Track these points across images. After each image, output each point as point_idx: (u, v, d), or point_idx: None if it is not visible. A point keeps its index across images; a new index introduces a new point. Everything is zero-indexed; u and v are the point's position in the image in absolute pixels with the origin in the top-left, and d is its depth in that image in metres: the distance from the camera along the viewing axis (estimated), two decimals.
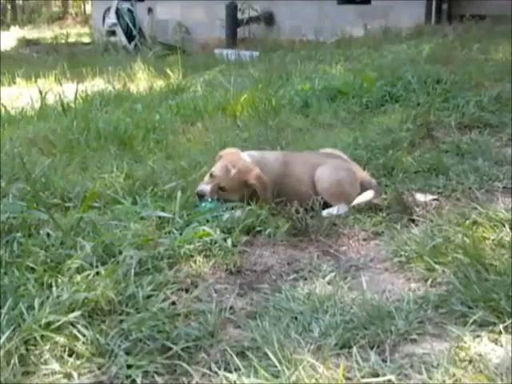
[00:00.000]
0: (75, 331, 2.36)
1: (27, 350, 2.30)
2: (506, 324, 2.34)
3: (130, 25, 14.68)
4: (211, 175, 3.61)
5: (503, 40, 8.17)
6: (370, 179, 3.79)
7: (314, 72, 7.25)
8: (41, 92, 7.02)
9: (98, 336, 2.35)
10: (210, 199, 3.51)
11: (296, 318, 2.50)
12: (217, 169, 3.61)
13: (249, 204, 3.46)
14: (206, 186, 3.56)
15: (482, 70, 6.40)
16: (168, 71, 8.39)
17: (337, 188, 3.66)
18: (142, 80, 8.47)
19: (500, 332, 2.32)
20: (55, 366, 2.24)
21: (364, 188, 3.71)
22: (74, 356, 2.28)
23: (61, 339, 2.32)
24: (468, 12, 10.53)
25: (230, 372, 2.17)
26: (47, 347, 2.31)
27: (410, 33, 10.09)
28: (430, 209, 3.52)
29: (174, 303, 2.62)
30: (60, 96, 6.62)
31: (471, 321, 2.37)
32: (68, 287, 2.59)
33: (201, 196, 3.54)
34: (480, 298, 2.50)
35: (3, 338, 2.29)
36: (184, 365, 2.25)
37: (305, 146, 4.53)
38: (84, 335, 2.35)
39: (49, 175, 4.00)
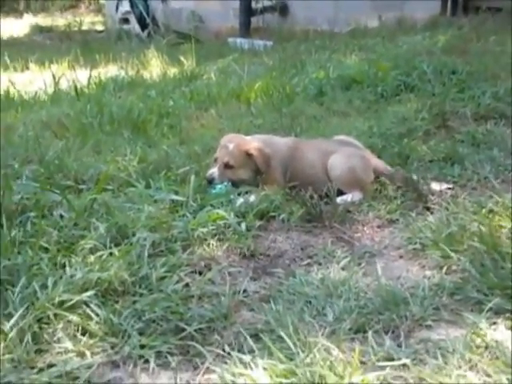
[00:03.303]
0: (88, 310, 2.37)
1: (40, 328, 2.31)
2: None
3: (144, 13, 14.63)
4: (214, 160, 3.66)
5: None
6: (384, 166, 3.77)
7: (328, 61, 7.19)
8: (54, 77, 7.02)
9: (111, 316, 2.35)
10: (220, 184, 3.51)
11: (310, 302, 2.49)
12: (217, 152, 3.67)
13: (262, 188, 3.46)
14: (213, 170, 3.60)
15: (498, 62, 6.32)
16: (181, 59, 8.36)
17: (350, 175, 3.64)
18: (155, 67, 8.44)
19: None
20: (68, 344, 2.24)
21: (378, 175, 3.70)
22: (87, 335, 2.29)
23: (74, 318, 2.33)
24: (484, 4, 10.41)
25: (244, 354, 2.16)
26: (60, 326, 2.31)
27: (425, 24, 9.99)
28: (446, 197, 3.48)
29: (187, 285, 2.62)
30: (73, 81, 6.62)
31: (487, 308, 2.34)
32: (81, 267, 2.60)
33: (210, 180, 3.55)
34: (496, 285, 2.48)
35: (16, 316, 2.29)
36: (197, 346, 2.25)
37: (319, 133, 4.49)
38: (97, 315, 2.35)
39: (62, 158, 4.00)
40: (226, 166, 3.57)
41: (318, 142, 3.94)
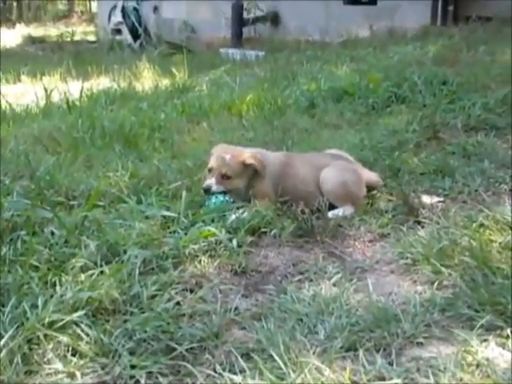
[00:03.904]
0: (79, 330, 2.35)
1: (30, 349, 2.29)
2: None
3: (136, 23, 14.70)
4: (209, 171, 3.63)
5: (510, 42, 8.11)
6: (377, 179, 3.80)
7: (319, 72, 7.21)
8: (46, 90, 7.02)
9: (101, 336, 2.34)
10: (217, 196, 3.50)
11: (301, 320, 2.48)
12: (212, 162, 3.64)
13: (253, 203, 3.47)
14: (210, 180, 3.57)
15: (488, 72, 6.35)
16: (173, 70, 8.37)
17: (342, 189, 3.64)
18: (147, 79, 8.46)
19: (507, 336, 2.29)
20: (58, 365, 2.23)
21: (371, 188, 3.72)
22: (77, 355, 2.28)
23: (64, 338, 2.31)
24: (474, 13, 10.44)
25: (235, 374, 2.16)
26: (50, 346, 2.30)
27: (416, 34, 10.02)
28: (437, 211, 3.49)
29: (178, 303, 2.61)
30: (65, 94, 6.62)
31: (478, 325, 2.35)
32: (72, 286, 2.58)
33: (207, 190, 3.54)
34: (487, 301, 2.48)
35: (6, 337, 2.28)
36: (188, 366, 2.24)
37: (311, 146, 4.50)
38: (88, 335, 2.34)
39: (53, 173, 3.99)
40: (223, 176, 3.57)
41: (309, 156, 3.94)
